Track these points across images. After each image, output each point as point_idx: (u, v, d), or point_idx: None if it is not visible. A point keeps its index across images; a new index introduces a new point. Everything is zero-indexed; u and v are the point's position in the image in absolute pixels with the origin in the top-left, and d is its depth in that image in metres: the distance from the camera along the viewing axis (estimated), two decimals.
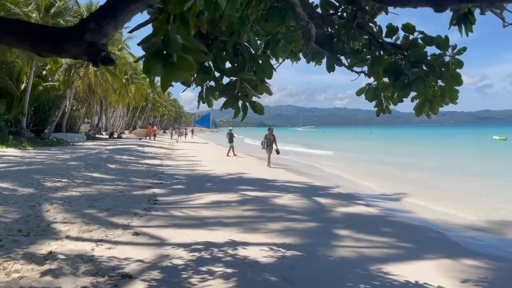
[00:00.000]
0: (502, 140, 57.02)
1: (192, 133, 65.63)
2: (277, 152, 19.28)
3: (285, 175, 16.11)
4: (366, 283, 4.74)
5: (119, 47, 41.40)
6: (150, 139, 43.97)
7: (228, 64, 3.18)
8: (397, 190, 12.85)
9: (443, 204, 10.85)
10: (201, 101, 3.21)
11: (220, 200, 9.82)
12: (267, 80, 3.32)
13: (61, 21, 30.76)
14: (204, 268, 4.97)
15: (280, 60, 4.29)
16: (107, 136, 45.74)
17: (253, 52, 2.90)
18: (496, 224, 8.68)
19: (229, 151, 24.99)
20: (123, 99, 50.09)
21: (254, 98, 3.02)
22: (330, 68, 3.67)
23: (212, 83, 3.24)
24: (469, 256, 6.13)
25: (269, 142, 19.01)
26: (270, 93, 3.25)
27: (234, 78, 3.09)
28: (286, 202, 9.85)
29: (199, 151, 31.00)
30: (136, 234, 6.47)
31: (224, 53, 3.06)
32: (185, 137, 58.70)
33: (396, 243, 6.70)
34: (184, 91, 3.16)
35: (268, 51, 3.03)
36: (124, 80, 45.26)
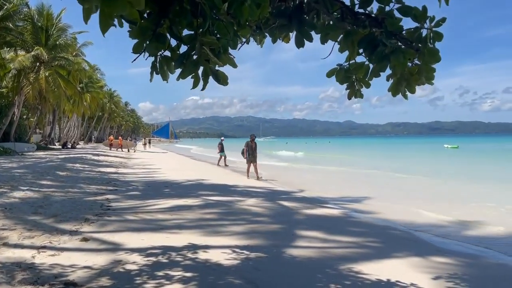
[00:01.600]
0: (454, 148, 60.64)
1: (149, 143, 63.91)
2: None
3: (247, 181, 15.72)
4: (336, 282, 4.43)
5: (73, 53, 39.79)
6: (122, 150, 42.97)
7: (186, 32, 2.79)
8: (361, 193, 12.77)
9: (407, 205, 10.83)
10: (154, 73, 2.78)
11: (179, 204, 9.28)
12: (231, 53, 2.94)
13: (10, 25, 29.22)
14: (160, 273, 4.48)
15: (244, 40, 3.94)
16: (60, 147, 43.62)
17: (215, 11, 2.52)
18: (458, 223, 8.68)
19: (219, 160, 25.25)
20: (78, 108, 48.24)
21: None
22: (300, 44, 3.34)
23: (168, 53, 2.82)
24: (438, 253, 5.98)
25: (251, 151, 17.12)
26: (234, 66, 2.88)
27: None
28: (250, 206, 9.45)
29: (158, 160, 30.08)
30: (85, 239, 5.86)
31: (182, 17, 2.66)
32: (145, 147, 57.33)
33: (365, 243, 6.46)
34: (134, 60, 2.72)
35: (232, 12, 2.66)
36: (78, 88, 43.56)
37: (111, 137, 52.85)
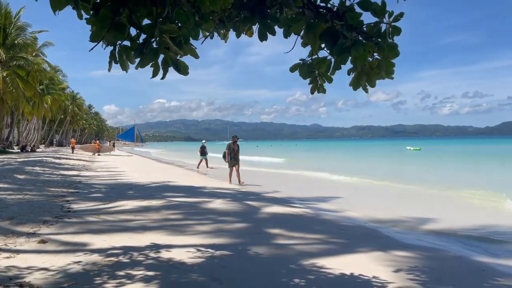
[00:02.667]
0: (416, 150, 62.80)
1: (114, 146, 62.40)
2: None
3: (215, 183, 15.62)
4: (300, 277, 4.44)
5: (33, 53, 38.39)
6: (99, 154, 42.04)
7: (146, 21, 2.74)
8: (328, 194, 12.94)
9: (370, 203, 11.05)
10: (113, 62, 2.71)
11: (143, 206, 9.09)
12: (193, 44, 2.90)
13: None
14: (121, 273, 4.36)
15: (207, 34, 3.91)
16: (19, 150, 41.92)
17: None
18: (419, 219, 8.93)
19: (199, 163, 24.78)
20: (38, 110, 46.59)
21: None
22: (263, 37, 3.34)
23: (127, 42, 2.76)
24: (400, 248, 6.13)
25: (233, 154, 15.54)
26: (196, 56, 2.84)
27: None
28: (216, 206, 9.39)
29: (122, 163, 29.44)
30: (43, 241, 5.63)
31: (141, 6, 2.61)
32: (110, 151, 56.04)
33: (329, 239, 6.54)
34: (92, 49, 2.63)
35: (192, 0, 2.63)
36: (39, 90, 42.07)
37: (73, 140, 51.55)
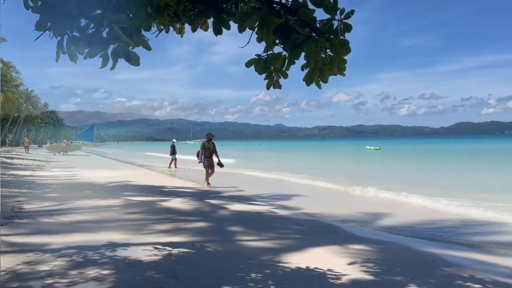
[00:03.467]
0: (376, 149, 64.37)
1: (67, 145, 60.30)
2: (220, 165, 14.17)
3: (177, 182, 15.44)
4: (258, 272, 4.48)
5: None
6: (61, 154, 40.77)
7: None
8: (288, 192, 13.09)
9: (327, 200, 11.28)
10: (60, 53, 2.63)
11: (100, 205, 8.87)
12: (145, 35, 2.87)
13: None
14: (74, 272, 4.23)
15: (162, 27, 3.87)
16: None
17: None
18: (374, 214, 9.19)
19: (170, 163, 24.34)
20: None
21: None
22: (217, 31, 3.35)
23: (77, 33, 2.69)
24: (355, 241, 6.29)
25: (208, 153, 13.90)
26: (148, 48, 2.82)
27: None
28: (175, 205, 9.28)
29: (79, 162, 28.53)
30: None
31: None
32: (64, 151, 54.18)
33: (288, 235, 6.63)
34: (37, 38, 2.55)
35: None
36: None
37: (26, 139, 49.75)
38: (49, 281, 3.98)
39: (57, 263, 4.56)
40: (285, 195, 12.33)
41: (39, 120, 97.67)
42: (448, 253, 5.94)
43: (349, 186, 14.25)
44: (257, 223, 7.59)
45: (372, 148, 69.09)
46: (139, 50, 2.91)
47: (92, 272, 4.26)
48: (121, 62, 2.68)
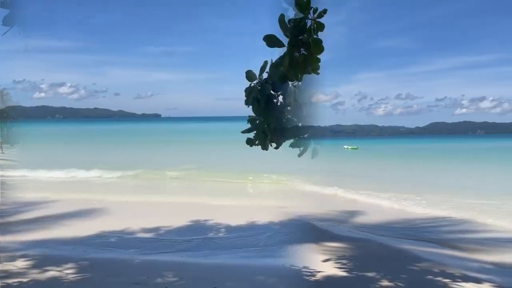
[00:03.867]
0: (354, 149, 63.86)
1: None
2: None
3: None
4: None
5: None
6: None
7: None
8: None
9: (305, 199, 11.34)
10: None
11: None
12: None
13: None
14: None
15: None
16: None
17: None
18: (350, 213, 9.29)
19: None
20: None
21: None
22: None
23: None
24: (332, 239, 6.38)
25: None
26: None
27: None
28: None
29: None
30: None
31: None
32: None
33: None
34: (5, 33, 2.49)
35: None
36: None
37: None
38: None
39: None
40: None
41: None
42: (420, 249, 6.09)
43: (324, 187, 14.24)
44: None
45: (349, 147, 68.41)
46: None
47: None
48: None
